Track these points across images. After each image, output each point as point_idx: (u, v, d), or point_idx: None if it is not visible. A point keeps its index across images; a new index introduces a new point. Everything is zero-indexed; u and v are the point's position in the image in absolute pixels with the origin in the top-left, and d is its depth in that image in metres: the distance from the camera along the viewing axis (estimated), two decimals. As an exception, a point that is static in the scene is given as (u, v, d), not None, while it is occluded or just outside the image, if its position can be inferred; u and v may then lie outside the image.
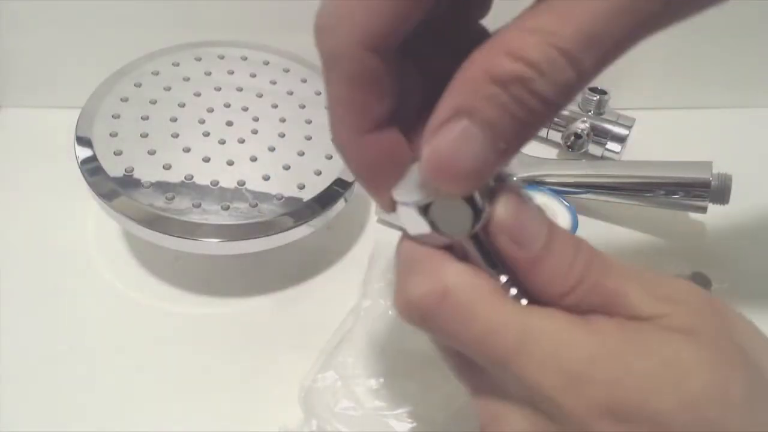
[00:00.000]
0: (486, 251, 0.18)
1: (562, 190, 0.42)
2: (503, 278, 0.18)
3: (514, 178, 0.41)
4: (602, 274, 0.18)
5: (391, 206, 0.19)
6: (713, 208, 0.40)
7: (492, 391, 0.19)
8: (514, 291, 0.18)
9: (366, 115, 0.18)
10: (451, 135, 0.16)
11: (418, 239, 0.18)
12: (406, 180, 0.18)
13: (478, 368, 0.19)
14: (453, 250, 0.18)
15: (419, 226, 0.18)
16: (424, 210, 0.17)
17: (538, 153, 0.45)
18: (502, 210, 0.17)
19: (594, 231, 0.42)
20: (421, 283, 0.18)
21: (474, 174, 0.16)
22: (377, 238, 0.40)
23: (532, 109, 0.15)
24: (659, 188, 0.40)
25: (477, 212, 0.17)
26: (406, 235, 0.19)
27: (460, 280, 0.18)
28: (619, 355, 0.16)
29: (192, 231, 0.33)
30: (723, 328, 0.17)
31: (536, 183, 0.43)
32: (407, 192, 0.18)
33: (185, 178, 0.35)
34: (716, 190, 0.39)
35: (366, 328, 0.35)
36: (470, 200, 0.17)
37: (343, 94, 0.18)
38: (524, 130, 0.16)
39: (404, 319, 0.18)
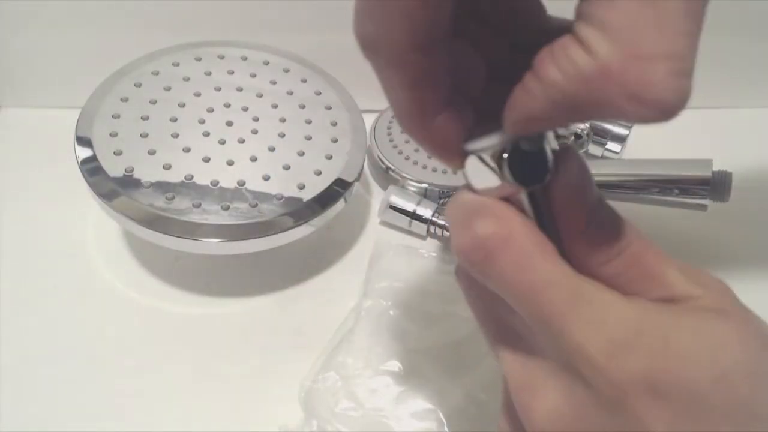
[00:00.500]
0: (542, 211, 0.19)
1: None
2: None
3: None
4: (644, 251, 0.18)
5: (460, 164, 0.19)
6: (713, 207, 0.40)
7: (525, 352, 0.19)
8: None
9: (427, 107, 0.19)
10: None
11: (482, 193, 0.19)
12: (478, 135, 0.19)
13: (516, 333, 0.19)
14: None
15: (487, 177, 0.18)
16: (497, 158, 0.18)
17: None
18: (572, 168, 0.18)
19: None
20: (489, 224, 0.18)
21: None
22: (377, 238, 0.40)
23: None
24: (659, 186, 0.40)
25: (547, 166, 0.18)
26: (468, 188, 0.19)
27: (524, 228, 0.18)
28: (660, 329, 0.17)
29: (192, 231, 0.33)
30: (744, 310, 0.18)
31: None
32: (480, 142, 0.18)
33: (185, 178, 0.35)
34: (716, 188, 0.39)
35: (367, 328, 0.35)
36: (542, 153, 0.18)
37: (403, 96, 0.19)
38: None
39: (465, 259, 0.19)
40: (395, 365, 0.34)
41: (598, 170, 0.42)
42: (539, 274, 0.17)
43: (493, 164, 0.18)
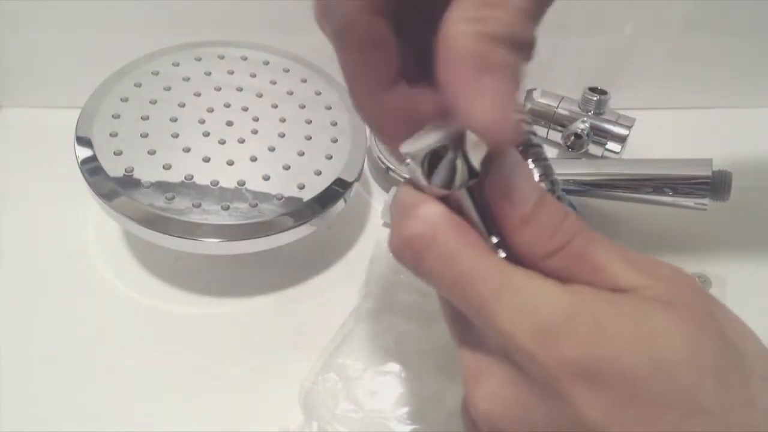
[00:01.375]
0: (480, 209, 0.19)
1: (562, 189, 0.42)
2: (494, 239, 0.19)
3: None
4: (587, 244, 0.18)
5: (403, 159, 0.20)
6: (713, 207, 0.40)
7: (476, 345, 0.19)
8: (502, 254, 0.19)
9: (381, 75, 0.20)
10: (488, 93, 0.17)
11: (419, 189, 0.19)
12: (415, 135, 0.19)
13: (467, 321, 0.19)
14: (449, 203, 0.19)
15: (419, 178, 0.19)
16: (424, 162, 0.19)
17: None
18: (497, 168, 0.19)
19: (594, 226, 0.41)
20: (413, 225, 0.19)
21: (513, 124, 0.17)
22: (378, 239, 0.40)
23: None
24: (659, 186, 0.40)
25: (471, 168, 0.18)
26: (405, 183, 0.20)
27: (449, 226, 0.18)
28: (595, 315, 0.17)
29: (192, 231, 0.33)
30: (700, 302, 0.17)
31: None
32: (413, 144, 0.19)
33: (185, 178, 0.35)
34: (716, 187, 0.39)
35: (367, 329, 0.35)
36: (465, 156, 0.18)
37: (359, 58, 0.20)
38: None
39: (398, 259, 0.19)
40: (395, 367, 0.34)
41: (599, 170, 0.42)
42: (464, 267, 0.18)
43: (417, 167, 0.19)
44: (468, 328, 0.20)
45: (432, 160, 0.18)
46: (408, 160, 0.19)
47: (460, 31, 0.16)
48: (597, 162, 0.44)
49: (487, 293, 0.17)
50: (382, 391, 0.33)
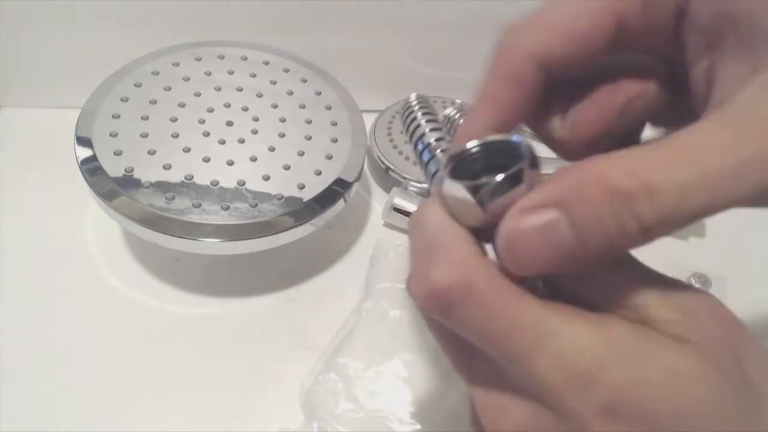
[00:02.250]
0: None
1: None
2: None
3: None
4: (616, 269, 0.18)
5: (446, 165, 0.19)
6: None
7: (493, 382, 0.19)
8: (535, 282, 0.18)
9: (505, 114, 0.20)
10: (537, 221, 0.16)
11: (451, 211, 0.18)
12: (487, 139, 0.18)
13: (478, 358, 0.19)
14: (478, 232, 0.18)
15: (471, 199, 0.17)
16: (474, 189, 0.17)
17: (538, 153, 0.45)
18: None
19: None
20: (447, 272, 0.17)
21: (540, 265, 0.17)
22: (378, 240, 0.40)
23: (624, 228, 0.16)
24: None
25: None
26: (432, 205, 0.19)
27: (487, 274, 0.17)
28: (625, 359, 0.17)
29: (192, 231, 0.33)
30: (728, 344, 0.17)
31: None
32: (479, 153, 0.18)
33: (185, 178, 0.35)
34: None
35: (367, 329, 0.35)
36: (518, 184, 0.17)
37: (499, 87, 0.19)
38: (605, 246, 0.16)
39: (424, 309, 0.18)
40: (396, 366, 0.34)
41: None
42: (505, 320, 0.17)
43: (469, 195, 0.17)
44: (478, 365, 0.19)
45: (500, 185, 0.17)
46: (449, 174, 0.18)
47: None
48: None
49: (525, 343, 0.17)
50: (383, 390, 0.33)
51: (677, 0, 0.18)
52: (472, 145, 0.18)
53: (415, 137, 0.24)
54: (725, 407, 0.16)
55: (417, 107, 0.25)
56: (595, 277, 0.18)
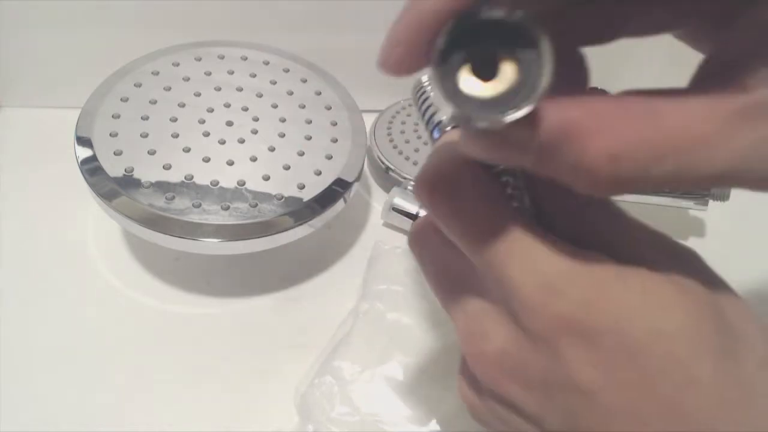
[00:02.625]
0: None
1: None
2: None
3: None
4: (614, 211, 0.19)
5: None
6: (714, 206, 0.40)
7: (476, 309, 0.20)
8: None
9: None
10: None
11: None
12: None
13: (462, 286, 0.20)
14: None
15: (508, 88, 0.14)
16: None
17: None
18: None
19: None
20: (447, 157, 0.19)
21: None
22: (376, 241, 0.40)
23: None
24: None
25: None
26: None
27: (480, 170, 0.19)
28: (600, 281, 0.17)
29: (192, 231, 0.33)
30: (706, 287, 0.18)
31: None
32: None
33: (185, 178, 0.35)
34: (717, 189, 0.39)
35: (364, 331, 0.35)
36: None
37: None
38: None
39: (419, 190, 0.19)
40: (392, 369, 0.34)
41: None
42: (488, 223, 0.18)
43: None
44: (462, 293, 0.20)
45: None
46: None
47: None
48: None
49: (506, 246, 0.18)
50: (379, 394, 0.33)
51: None
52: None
53: (427, 116, 0.24)
54: (701, 336, 0.16)
55: (429, 87, 0.25)
56: (590, 220, 0.19)
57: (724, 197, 0.40)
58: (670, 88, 0.16)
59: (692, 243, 0.42)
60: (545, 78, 0.13)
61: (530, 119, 0.14)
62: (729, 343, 0.17)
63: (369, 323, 0.35)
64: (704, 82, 0.16)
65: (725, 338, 0.17)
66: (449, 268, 0.21)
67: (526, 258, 0.17)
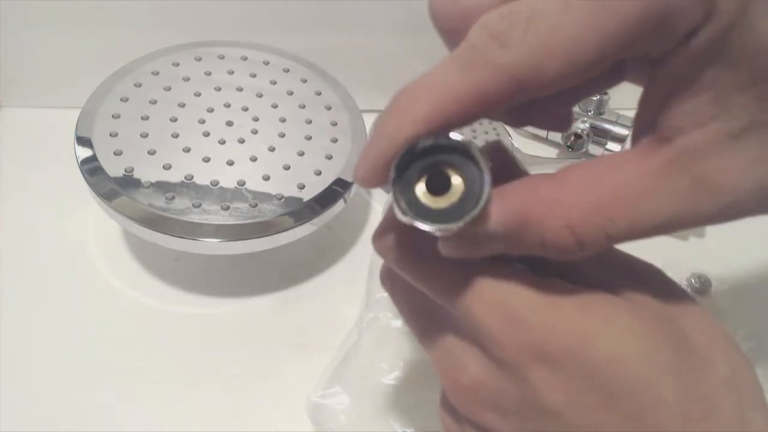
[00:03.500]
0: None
1: None
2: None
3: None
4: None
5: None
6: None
7: (449, 342, 0.20)
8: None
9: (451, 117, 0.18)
10: None
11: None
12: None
13: (437, 323, 0.21)
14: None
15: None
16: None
17: (539, 153, 0.45)
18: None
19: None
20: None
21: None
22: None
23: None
24: None
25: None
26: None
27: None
28: (560, 308, 0.18)
29: (192, 231, 0.33)
30: (666, 309, 0.18)
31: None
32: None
33: (185, 178, 0.35)
34: None
35: (371, 341, 0.35)
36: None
37: (460, 92, 0.16)
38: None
39: (380, 253, 0.21)
40: (401, 378, 0.34)
41: None
42: (450, 274, 0.19)
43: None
44: (430, 322, 0.21)
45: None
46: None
47: None
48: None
49: (468, 292, 0.19)
50: (388, 403, 0.33)
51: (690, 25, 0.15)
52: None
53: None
54: (662, 357, 0.17)
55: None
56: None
57: None
58: (609, 154, 0.18)
59: (692, 243, 0.43)
60: (485, 190, 0.16)
61: (480, 220, 0.17)
62: (690, 362, 0.17)
63: (375, 332, 0.35)
64: (638, 136, 0.18)
65: (686, 357, 0.17)
66: (421, 306, 0.22)
67: (490, 297, 0.18)
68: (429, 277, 0.20)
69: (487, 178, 0.16)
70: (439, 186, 0.17)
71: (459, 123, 0.16)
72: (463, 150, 0.16)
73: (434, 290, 0.20)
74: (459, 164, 0.17)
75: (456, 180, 0.17)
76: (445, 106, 0.16)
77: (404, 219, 0.17)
